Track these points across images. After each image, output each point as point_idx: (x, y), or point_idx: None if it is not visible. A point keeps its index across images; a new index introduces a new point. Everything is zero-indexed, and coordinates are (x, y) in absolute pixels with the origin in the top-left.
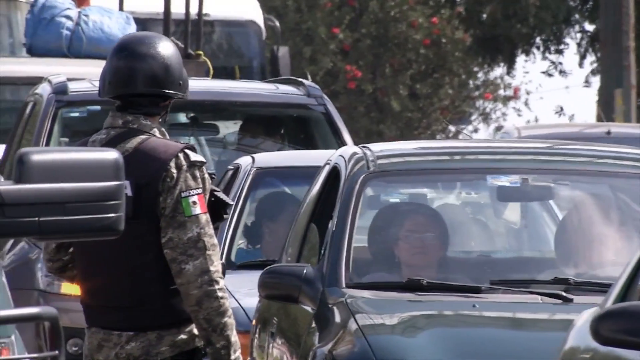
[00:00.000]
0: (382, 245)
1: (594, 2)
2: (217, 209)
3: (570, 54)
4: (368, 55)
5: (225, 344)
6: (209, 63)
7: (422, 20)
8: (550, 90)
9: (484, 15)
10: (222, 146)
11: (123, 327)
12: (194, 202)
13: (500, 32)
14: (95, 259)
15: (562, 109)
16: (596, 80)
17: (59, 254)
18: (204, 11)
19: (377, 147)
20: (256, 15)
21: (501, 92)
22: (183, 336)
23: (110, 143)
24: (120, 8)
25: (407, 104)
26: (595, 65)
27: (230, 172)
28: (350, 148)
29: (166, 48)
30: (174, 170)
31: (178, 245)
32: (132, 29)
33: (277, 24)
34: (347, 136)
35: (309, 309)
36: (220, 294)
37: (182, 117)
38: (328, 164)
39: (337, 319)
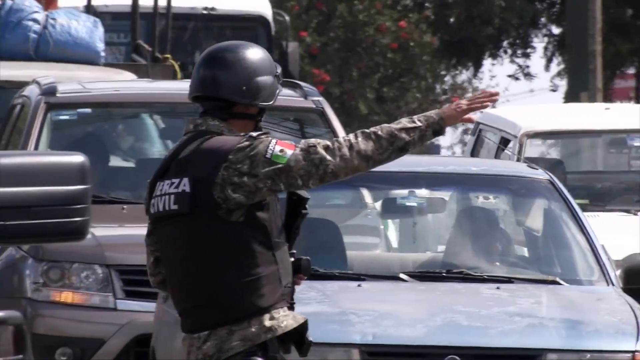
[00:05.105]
0: None
1: (560, 5)
2: (296, 206)
3: (536, 58)
4: (336, 59)
5: (422, 125)
6: (176, 66)
7: (389, 24)
8: (517, 94)
9: (452, 19)
10: None
11: (197, 328)
12: (282, 150)
13: (467, 35)
14: (168, 265)
15: None
16: (562, 84)
17: (157, 268)
18: (210, 5)
19: None
20: (265, 9)
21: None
22: (253, 329)
23: (179, 147)
24: (88, 9)
25: (373, 108)
26: (561, 67)
27: None
28: None
29: (237, 55)
30: (239, 157)
31: (302, 173)
32: (99, 32)
33: (287, 18)
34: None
35: None
36: (355, 139)
37: (148, 119)
38: None
39: None
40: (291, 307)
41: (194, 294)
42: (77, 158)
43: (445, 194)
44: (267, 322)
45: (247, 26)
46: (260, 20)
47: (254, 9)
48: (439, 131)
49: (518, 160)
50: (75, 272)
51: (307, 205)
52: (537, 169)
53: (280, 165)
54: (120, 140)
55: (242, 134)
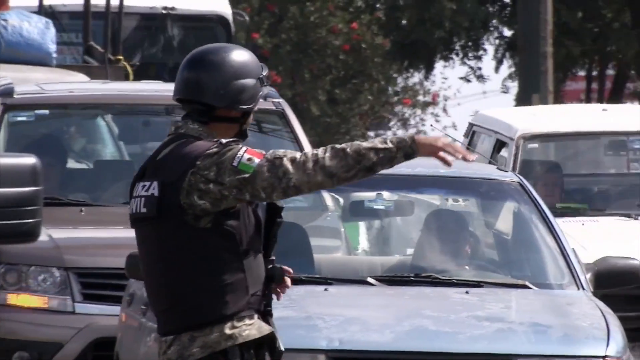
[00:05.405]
0: None
1: (511, 7)
2: (272, 215)
3: (488, 60)
4: (288, 61)
5: (393, 146)
6: (128, 68)
7: (342, 26)
8: (468, 96)
9: (403, 22)
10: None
11: (166, 332)
12: (249, 159)
13: (418, 37)
14: (143, 267)
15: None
16: (514, 86)
17: None
18: (170, 5)
19: None
20: (225, 9)
21: (420, 98)
22: (213, 336)
23: (158, 150)
24: (40, 9)
25: (326, 110)
26: (512, 70)
27: None
28: None
29: (218, 57)
30: (207, 163)
31: (265, 185)
32: (51, 33)
33: (247, 18)
34: (304, 139)
35: None
36: (322, 154)
37: (101, 121)
38: None
39: None
40: (267, 314)
41: (164, 297)
42: (29, 160)
43: (435, 197)
44: (228, 330)
45: (207, 26)
46: (220, 20)
47: (213, 9)
48: (411, 155)
49: (514, 164)
50: (33, 275)
51: (282, 214)
52: (506, 171)
53: (246, 175)
54: (74, 141)
55: (215, 139)
